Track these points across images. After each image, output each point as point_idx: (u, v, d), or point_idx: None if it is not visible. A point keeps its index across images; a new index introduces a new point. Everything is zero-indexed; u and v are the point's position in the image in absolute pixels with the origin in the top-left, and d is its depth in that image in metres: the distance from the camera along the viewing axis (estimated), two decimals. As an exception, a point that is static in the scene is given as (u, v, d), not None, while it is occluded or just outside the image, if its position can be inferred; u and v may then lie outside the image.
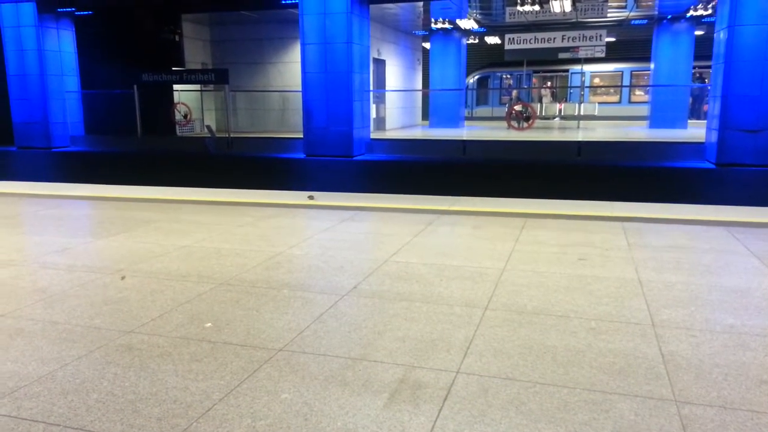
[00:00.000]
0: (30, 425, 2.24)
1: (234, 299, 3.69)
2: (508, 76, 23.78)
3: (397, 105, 19.13)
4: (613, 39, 20.19)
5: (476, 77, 23.58)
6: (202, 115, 18.08)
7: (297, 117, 15.90)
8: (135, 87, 14.10)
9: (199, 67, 17.48)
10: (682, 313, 3.42)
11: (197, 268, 4.38)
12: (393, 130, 17.84)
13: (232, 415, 2.33)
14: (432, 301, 3.62)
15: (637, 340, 3.04)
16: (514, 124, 16.89)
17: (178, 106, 16.98)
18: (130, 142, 14.34)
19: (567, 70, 22.48)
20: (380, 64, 17.63)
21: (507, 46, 15.47)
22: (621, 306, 3.55)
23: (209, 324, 3.27)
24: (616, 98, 22.18)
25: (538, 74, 23.27)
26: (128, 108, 14.31)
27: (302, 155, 12.67)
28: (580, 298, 3.69)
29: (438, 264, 4.45)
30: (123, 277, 4.12)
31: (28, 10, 14.22)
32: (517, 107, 17.69)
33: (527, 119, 16.98)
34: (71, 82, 15.08)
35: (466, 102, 20.76)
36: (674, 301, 3.63)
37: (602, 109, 21.13)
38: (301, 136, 12.90)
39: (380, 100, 17.55)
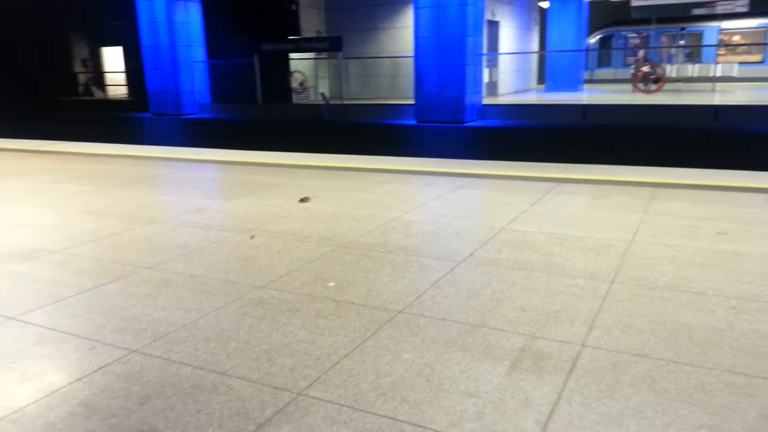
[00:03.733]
0: (179, 367, 2.48)
1: (353, 261, 3.81)
2: (635, 35, 22.10)
3: (510, 68, 18.50)
4: (758, -10, 18.07)
5: (598, 37, 22.15)
6: (316, 83, 18.57)
7: (407, 83, 15.87)
8: (255, 56, 14.70)
9: (314, 35, 17.88)
10: (842, 297, 3.07)
11: (318, 230, 4.56)
12: (506, 95, 17.31)
13: (357, 370, 2.42)
14: (552, 272, 3.52)
15: (787, 323, 2.78)
16: (641, 86, 15.74)
17: (294, 74, 17.54)
18: (252, 110, 15.06)
19: (701, 28, 20.48)
20: (494, 25, 17.06)
21: (634, 3, 14.36)
22: (766, 285, 3.25)
23: (332, 283, 3.41)
24: (758, 57, 19.95)
25: (668, 33, 21.41)
26: (249, 77, 15.01)
27: (413, 121, 12.68)
28: (719, 274, 3.42)
29: (558, 234, 4.31)
30: (252, 237, 4.39)
31: (160, -16, 15.20)
32: (645, 68, 16.44)
33: (656, 81, 15.75)
34: (198, 52, 16.04)
35: (586, 64, 19.62)
36: (831, 283, 3.26)
37: (742, 70, 19.10)
38: (412, 102, 12.89)
39: (493, 63, 17.05)
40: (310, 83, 18.20)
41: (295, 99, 17.47)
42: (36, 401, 2.23)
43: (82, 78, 23.45)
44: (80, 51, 22.98)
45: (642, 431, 2.00)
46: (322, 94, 16.56)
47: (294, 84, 17.48)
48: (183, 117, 15.50)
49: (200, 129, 14.90)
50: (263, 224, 4.76)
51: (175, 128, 15.08)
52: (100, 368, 2.47)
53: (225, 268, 3.70)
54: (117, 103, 20.64)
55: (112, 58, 23.47)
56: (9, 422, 2.10)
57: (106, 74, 23.31)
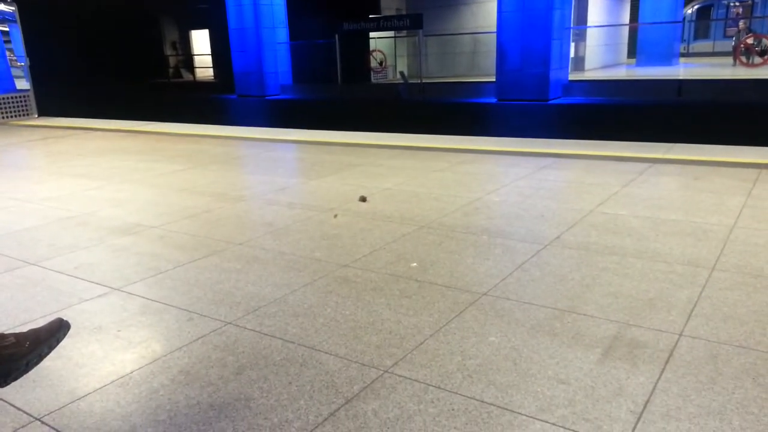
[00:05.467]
0: (271, 340, 2.57)
1: (436, 242, 3.80)
2: (737, 3, 20.44)
3: (598, 42, 17.64)
4: None
5: (695, 7, 20.67)
6: (396, 62, 18.51)
7: (487, 60, 15.50)
8: (336, 36, 14.82)
9: (393, 13, 17.78)
10: None
11: (399, 210, 4.57)
12: (593, 70, 16.56)
13: (443, 351, 2.43)
14: (647, 257, 3.36)
15: None
16: (744, 59, 14.59)
17: (374, 53, 17.56)
18: (332, 90, 15.24)
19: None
20: (582, -3, 16.30)
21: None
22: None
23: (415, 264, 3.42)
24: None
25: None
26: (329, 57, 15.16)
27: (494, 100, 12.39)
28: (836, 264, 3.14)
29: (652, 217, 4.10)
30: (336, 216, 4.47)
31: (246, -33, 15.55)
32: (749, 40, 15.20)
33: (762, 54, 14.54)
34: (281, 33, 16.37)
35: (682, 36, 18.39)
36: None
37: None
38: (492, 80, 12.58)
39: (580, 37, 16.32)
40: (389, 62, 18.17)
41: (375, 78, 17.52)
42: (140, 368, 2.39)
43: (172, 61, 24.57)
44: (170, 34, 24.05)
45: (746, 426, 1.89)
46: (401, 73, 16.49)
47: (373, 63, 17.52)
48: (266, 98, 15.93)
49: (282, 109, 15.28)
50: (345, 203, 4.83)
51: (258, 109, 15.54)
52: (198, 338, 2.61)
53: (311, 246, 3.80)
54: (204, 85, 21.49)
55: (200, 41, 24.40)
56: (116, 386, 2.27)
57: (195, 57, 24.28)
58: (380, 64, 17.59)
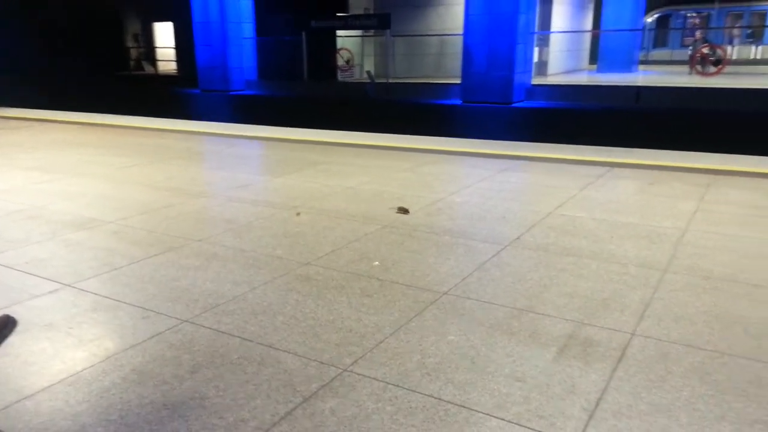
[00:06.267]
0: (228, 339, 2.54)
1: (398, 241, 3.81)
2: (694, 14, 21.14)
3: (561, 47, 17.99)
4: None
5: (655, 16, 21.29)
6: (363, 61, 18.50)
7: (454, 62, 15.63)
8: (303, 34, 14.71)
9: (361, 12, 17.77)
10: None
11: (363, 209, 4.57)
12: (555, 75, 16.87)
13: (402, 349, 2.43)
14: (603, 259, 3.44)
15: None
16: (699, 68, 15.10)
17: (341, 51, 17.51)
18: (298, 87, 15.13)
19: (765, 7, 19.43)
20: (547, 2, 16.59)
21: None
22: (831, 280, 3.09)
23: (377, 263, 3.42)
24: (829, 39, 18.83)
25: (731, 12, 20.39)
26: (295, 54, 15.05)
27: (459, 101, 12.51)
28: (779, 267, 3.27)
29: (609, 220, 4.20)
30: (298, 213, 4.44)
31: (212, -40, 15.30)
32: (704, 49, 15.73)
33: (716, 63, 15.06)
34: (247, 28, 16.16)
35: (641, 44, 18.91)
36: None
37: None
38: (458, 82, 12.70)
39: (543, 42, 16.62)
40: (356, 61, 18.15)
41: (341, 77, 17.47)
42: (92, 366, 2.33)
43: (133, 53, 23.98)
44: (132, 26, 23.49)
45: (693, 423, 1.95)
46: (368, 72, 16.49)
47: (340, 62, 17.47)
48: (230, 93, 15.72)
49: (247, 105, 15.09)
50: (309, 201, 4.80)
51: (222, 104, 15.31)
52: (153, 336, 2.56)
53: (272, 244, 3.76)
54: (166, 79, 21.06)
55: (163, 34, 23.89)
56: (66, 385, 2.20)
57: (157, 50, 23.77)
58: (347, 62, 17.55)
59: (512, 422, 1.96)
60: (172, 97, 16.64)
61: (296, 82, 15.21)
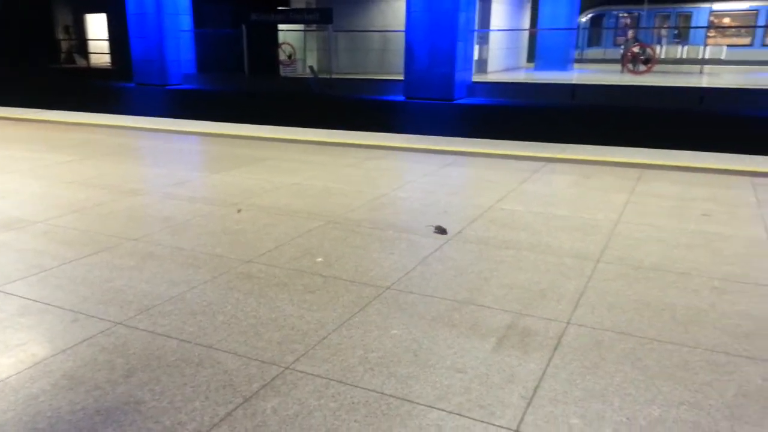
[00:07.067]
0: (165, 341, 2.46)
1: (341, 237, 3.79)
2: (626, 14, 22.01)
3: (500, 46, 18.37)
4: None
5: (589, 16, 22.05)
6: (305, 56, 18.31)
7: (397, 58, 15.71)
8: (243, 27, 14.42)
9: (303, 6, 17.57)
10: (822, 279, 3.13)
11: (306, 205, 4.53)
12: (495, 73, 17.22)
13: (345, 345, 2.43)
14: (540, 251, 3.54)
15: (767, 303, 2.83)
16: (630, 66, 15.75)
17: (283, 46, 17.27)
18: (239, 81, 14.82)
19: (692, 9, 20.45)
20: (486, 1, 16.89)
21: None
22: (749, 266, 3.30)
23: (320, 259, 3.40)
24: (747, 40, 20.01)
25: (660, 13, 21.35)
26: (236, 47, 14.74)
27: (402, 98, 12.58)
28: (703, 255, 3.46)
29: (545, 213, 4.33)
30: (239, 210, 4.35)
31: (146, -50, 14.78)
32: (635, 49, 16.42)
33: (646, 62, 15.75)
34: (185, 20, 15.69)
35: (576, 43, 19.54)
36: (812, 266, 3.32)
37: (731, 52, 19.13)
38: (401, 78, 12.77)
39: (483, 40, 16.92)
40: (298, 56, 17.95)
41: (283, 71, 17.23)
42: (18, 373, 2.21)
43: (64, 45, 22.91)
44: (63, 17, 22.41)
45: (625, 407, 2.03)
46: (311, 67, 16.34)
47: (282, 56, 17.23)
48: (167, 87, 15.23)
49: (185, 99, 14.67)
50: (250, 198, 4.71)
51: (159, 98, 14.83)
52: (84, 340, 2.45)
53: (211, 242, 3.67)
54: (100, 72, 20.22)
55: (96, 26, 22.91)
56: (-8, 393, 2.08)
57: (90, 42, 22.77)
58: (289, 57, 17.34)
59: (453, 413, 1.99)
60: (106, 91, 15.97)
61: (237, 77, 14.90)
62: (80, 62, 23.28)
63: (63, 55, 23.57)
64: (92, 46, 22.67)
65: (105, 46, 21.16)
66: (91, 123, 8.73)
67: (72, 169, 5.75)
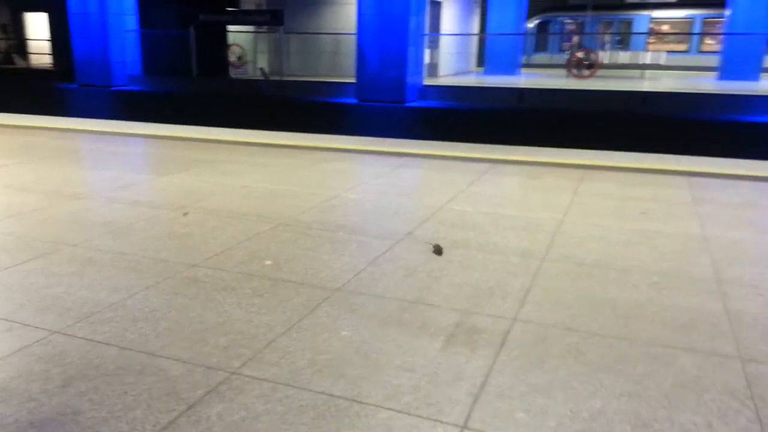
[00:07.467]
0: (104, 348, 2.38)
1: (292, 239, 3.76)
2: (570, 21, 22.68)
3: (451, 50, 18.61)
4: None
5: (536, 22, 22.61)
6: (255, 58, 18.08)
7: (349, 60, 15.71)
8: (191, 28, 14.14)
9: (253, 7, 17.36)
10: (750, 272, 3.29)
11: (255, 207, 4.46)
12: (446, 77, 17.43)
13: (294, 348, 2.40)
14: (488, 250, 3.60)
15: (702, 297, 2.95)
16: (575, 71, 16.23)
17: (232, 47, 17.01)
18: (186, 83, 14.51)
19: (633, 16, 21.26)
20: (436, 6, 17.09)
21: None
22: (685, 262, 3.44)
23: (269, 262, 3.35)
24: (685, 47, 20.94)
25: (603, 20, 22.09)
26: (183, 49, 14.42)
27: (354, 100, 12.58)
28: (642, 252, 3.59)
29: (493, 213, 4.40)
30: (185, 214, 4.25)
31: (88, -53, 14.31)
32: (579, 54, 16.94)
33: (589, 67, 16.27)
34: (130, 21, 15.25)
35: (524, 48, 19.99)
36: (741, 259, 3.49)
37: (670, 58, 19.96)
38: (353, 81, 12.77)
39: (434, 45, 17.10)
40: (249, 58, 17.71)
41: (233, 73, 16.97)
42: (-54, 386, 2.09)
43: (2, 45, 21.95)
44: (0, 16, 21.46)
45: (569, 400, 2.08)
46: (261, 69, 16.15)
47: (232, 58, 16.97)
48: (112, 88, 14.77)
49: (130, 101, 14.26)
50: (197, 201, 4.61)
51: (102, 100, 14.36)
52: (18, 350, 2.34)
53: (156, 246, 3.57)
54: (40, 73, 19.43)
55: (36, 25, 22.04)
56: None
57: (29, 42, 21.88)
58: (239, 59, 17.08)
59: (402, 412, 2.00)
60: (47, 92, 15.36)
61: (184, 78, 14.57)
62: (19, 62, 22.32)
63: (1, 56, 22.57)
64: (32, 46, 21.78)
65: (46, 46, 20.35)
66: (30, 125, 8.37)
67: (9, 173, 5.50)
